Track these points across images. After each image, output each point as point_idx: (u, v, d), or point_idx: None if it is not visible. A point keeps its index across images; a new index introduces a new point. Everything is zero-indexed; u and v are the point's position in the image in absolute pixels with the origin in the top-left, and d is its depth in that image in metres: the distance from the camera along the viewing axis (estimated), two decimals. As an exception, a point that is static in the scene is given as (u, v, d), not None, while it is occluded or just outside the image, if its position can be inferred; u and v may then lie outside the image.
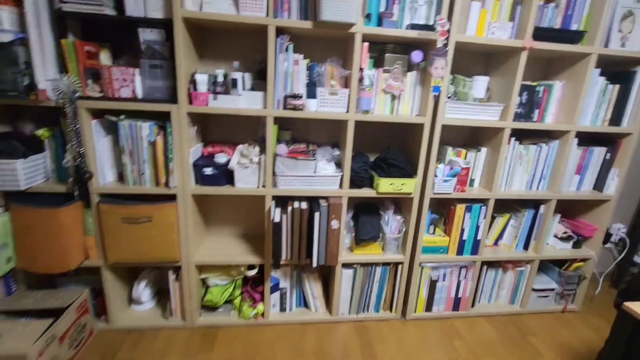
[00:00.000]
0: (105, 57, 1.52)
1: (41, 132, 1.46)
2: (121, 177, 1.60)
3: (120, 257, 1.57)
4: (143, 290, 1.77)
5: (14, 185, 1.38)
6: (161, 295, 1.92)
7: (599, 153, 1.87)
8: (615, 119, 1.80)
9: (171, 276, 1.70)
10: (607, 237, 2.21)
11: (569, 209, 2.11)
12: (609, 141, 1.86)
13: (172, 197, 1.55)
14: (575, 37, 1.62)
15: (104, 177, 1.53)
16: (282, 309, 1.87)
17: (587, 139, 1.88)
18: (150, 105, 1.44)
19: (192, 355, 1.58)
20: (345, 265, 1.79)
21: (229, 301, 1.81)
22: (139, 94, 1.46)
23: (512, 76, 1.64)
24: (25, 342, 1.26)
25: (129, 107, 1.43)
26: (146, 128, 1.47)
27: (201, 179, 1.59)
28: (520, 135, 1.78)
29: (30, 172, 1.42)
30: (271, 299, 1.81)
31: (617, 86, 1.76)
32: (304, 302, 1.92)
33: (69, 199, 1.48)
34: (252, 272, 1.75)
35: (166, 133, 1.47)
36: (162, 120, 1.50)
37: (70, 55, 1.38)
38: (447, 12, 1.49)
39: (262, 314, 1.81)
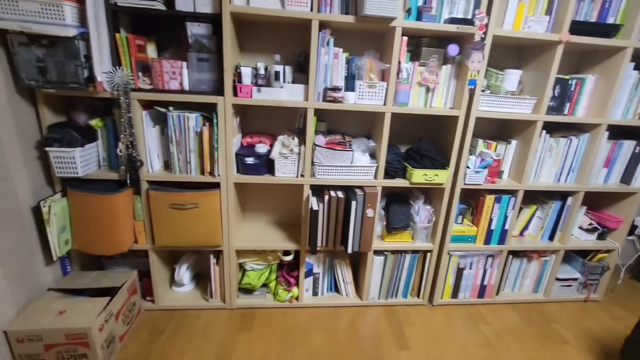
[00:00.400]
0: (151, 50, 1.59)
1: (95, 122, 1.54)
2: (167, 166, 1.68)
3: (167, 241, 1.66)
4: (184, 273, 1.87)
5: (72, 171, 1.47)
6: (199, 278, 2.02)
7: (628, 146, 1.89)
8: (647, 113, 1.82)
9: (212, 260, 1.80)
10: (632, 229, 2.24)
11: (594, 201, 2.14)
12: (639, 135, 1.88)
13: (216, 185, 1.63)
14: (611, 30, 1.64)
15: (152, 165, 1.61)
16: (315, 293, 1.96)
17: (617, 133, 1.90)
18: (198, 97, 1.51)
19: (234, 333, 1.68)
20: (377, 252, 1.87)
21: (264, 285, 1.91)
22: (186, 86, 1.53)
23: (546, 70, 1.66)
24: (87, 318, 1.37)
25: (179, 98, 1.50)
26: (193, 119, 1.54)
27: (242, 168, 1.66)
28: (551, 128, 1.81)
29: (86, 160, 1.51)
30: (305, 283, 1.89)
31: (650, 80, 1.77)
32: (334, 287, 2.01)
33: (121, 185, 1.57)
34: (288, 258, 1.84)
35: (212, 124, 1.54)
36: (206, 111, 1.57)
37: (124, 49, 1.45)
38: (486, 6, 1.51)
39: (297, 298, 1.90)
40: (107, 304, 1.45)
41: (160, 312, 1.80)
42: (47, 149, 1.43)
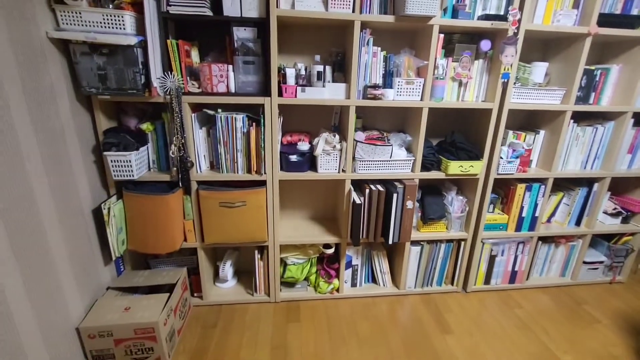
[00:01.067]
0: (195, 55, 1.65)
1: (145, 126, 1.59)
2: (212, 166, 1.74)
3: (215, 239, 1.73)
4: (229, 269, 1.94)
5: (128, 174, 1.53)
6: (240, 274, 2.09)
7: (651, 132, 1.97)
8: (669, 99, 1.89)
9: (257, 255, 1.86)
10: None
11: (618, 187, 2.21)
12: (662, 121, 1.96)
13: (262, 183, 1.70)
14: (635, 22, 1.71)
15: (200, 166, 1.68)
16: (353, 285, 2.03)
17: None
18: (246, 98, 1.57)
19: (283, 325, 1.75)
20: (413, 243, 1.94)
21: (305, 278, 1.98)
22: (232, 88, 1.59)
23: (574, 61, 1.73)
24: (152, 313, 1.44)
25: (228, 101, 1.56)
26: (240, 120, 1.61)
27: (286, 166, 1.73)
28: (577, 117, 1.88)
29: (139, 163, 1.57)
30: (344, 275, 1.96)
31: (672, 67, 1.84)
32: (372, 278, 2.08)
33: (172, 186, 1.63)
34: (330, 251, 1.90)
35: (258, 124, 1.60)
36: (251, 112, 1.63)
37: (174, 55, 1.50)
38: (518, 1, 1.58)
39: (337, 289, 1.97)
40: (167, 300, 1.52)
41: (208, 307, 1.87)
42: (105, 153, 1.49)
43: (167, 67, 1.51)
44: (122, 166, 1.52)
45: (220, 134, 1.62)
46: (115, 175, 1.53)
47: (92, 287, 1.51)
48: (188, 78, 1.58)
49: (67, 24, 1.30)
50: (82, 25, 1.30)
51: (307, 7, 1.50)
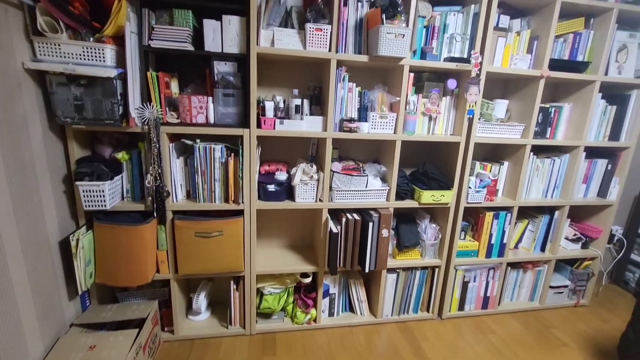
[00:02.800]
0: (174, 86, 1.67)
1: (121, 155, 1.58)
2: (188, 196, 1.73)
3: (190, 270, 1.69)
4: (202, 301, 1.88)
5: (100, 205, 1.50)
6: (213, 306, 2.03)
7: (602, 164, 2.15)
8: (614, 135, 2.09)
9: (232, 286, 1.83)
10: (611, 237, 2.49)
11: (576, 214, 2.37)
12: (610, 154, 2.15)
13: (239, 213, 1.70)
14: (581, 66, 1.91)
15: (176, 195, 1.66)
16: (331, 314, 2.02)
17: (591, 153, 2.15)
18: (226, 129, 1.60)
19: (259, 359, 1.70)
20: (389, 270, 1.97)
21: (282, 308, 1.94)
22: (211, 119, 1.62)
23: (531, 99, 1.90)
24: (120, 352, 1.36)
25: (207, 131, 1.59)
26: (218, 150, 1.62)
27: (264, 195, 1.74)
28: (536, 150, 2.04)
29: (112, 192, 1.54)
30: (322, 304, 1.95)
31: (615, 107, 2.06)
32: (349, 307, 2.07)
33: (146, 216, 1.60)
34: (307, 280, 1.90)
35: (237, 154, 1.63)
36: (230, 142, 1.66)
37: (154, 86, 1.53)
38: (479, 47, 1.73)
39: (314, 319, 1.95)
40: (137, 337, 1.45)
41: (180, 342, 1.79)
42: (77, 183, 1.45)
43: (146, 98, 1.52)
44: (94, 196, 1.48)
45: (198, 163, 1.62)
46: (86, 206, 1.49)
47: (54, 325, 1.42)
48: (167, 109, 1.59)
49: (44, 55, 1.30)
50: (61, 56, 1.30)
51: (286, 45, 1.58)
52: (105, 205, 1.50)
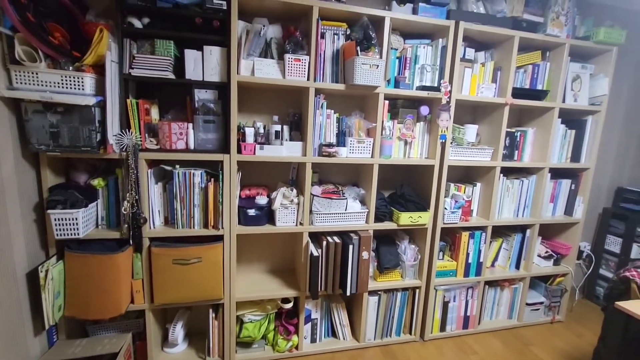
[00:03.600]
0: (155, 112, 1.69)
1: (97, 182, 1.55)
2: (166, 222, 1.70)
3: (166, 299, 1.64)
4: (179, 332, 1.81)
5: (73, 233, 1.45)
6: (190, 336, 1.95)
7: (566, 184, 2.29)
8: (575, 157, 2.25)
9: (211, 314, 1.78)
10: (580, 253, 2.61)
11: (546, 232, 2.48)
12: (573, 174, 2.29)
13: (219, 238, 1.68)
14: (541, 94, 2.07)
15: (154, 222, 1.64)
16: (313, 340, 1.98)
17: (556, 173, 2.29)
18: (206, 155, 1.61)
19: (238, 391, 1.64)
20: (371, 293, 1.98)
21: (263, 336, 1.90)
22: (191, 145, 1.63)
23: (498, 124, 2.02)
24: (88, 390, 1.29)
25: (186, 157, 1.59)
26: (198, 175, 1.63)
27: (244, 220, 1.74)
28: (506, 172, 2.15)
29: (86, 220, 1.50)
30: (304, 330, 1.92)
31: (574, 131, 2.22)
32: (331, 332, 2.05)
33: (121, 244, 1.56)
34: (289, 305, 1.87)
35: (216, 179, 1.63)
36: (210, 167, 1.67)
37: (134, 113, 1.53)
38: (448, 76, 1.85)
39: (296, 346, 1.91)
40: (107, 373, 1.38)
41: (155, 377, 1.70)
42: (49, 211, 1.41)
43: (125, 124, 1.52)
44: (67, 224, 1.44)
45: (177, 189, 1.61)
46: (58, 235, 1.44)
47: (16, 364, 1.33)
48: (146, 135, 1.59)
49: (21, 83, 1.29)
50: (38, 84, 1.30)
51: (266, 74, 1.64)
52: (78, 234, 1.46)
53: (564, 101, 2.12)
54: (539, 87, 2.09)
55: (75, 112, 1.35)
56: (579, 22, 2.08)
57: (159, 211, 1.67)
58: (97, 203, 1.57)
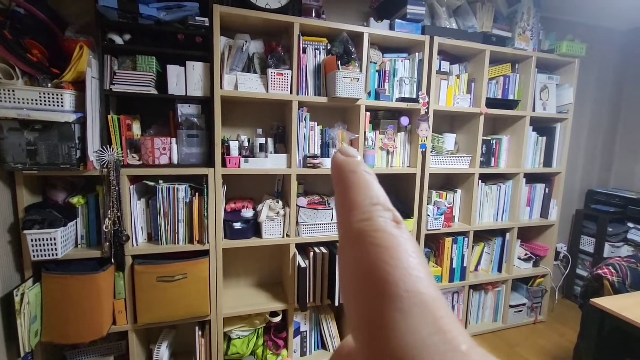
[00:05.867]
0: (136, 128, 1.67)
1: (76, 199, 1.51)
2: (149, 238, 1.67)
3: (151, 318, 1.59)
4: (164, 352, 1.75)
5: (51, 253, 1.40)
6: (177, 356, 1.89)
7: (540, 188, 2.40)
8: (547, 162, 2.36)
9: (197, 332, 1.73)
10: (557, 254, 2.71)
11: (525, 234, 2.57)
12: (546, 179, 2.41)
13: (204, 253, 1.66)
14: (513, 104, 2.18)
15: (137, 239, 1.60)
16: (303, 353, 1.96)
17: (531, 178, 2.40)
18: (190, 169, 1.60)
19: (228, 411, 1.59)
20: (359, 302, 1.98)
21: (251, 352, 1.86)
22: (175, 160, 1.62)
23: (474, 133, 2.11)
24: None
25: (170, 172, 1.58)
26: (182, 190, 1.61)
27: (230, 233, 1.73)
28: (484, 178, 2.24)
29: (65, 239, 1.45)
30: (293, 343, 1.90)
31: (544, 138, 2.34)
32: (321, 344, 2.03)
33: (102, 263, 1.52)
34: (277, 319, 1.85)
35: (201, 193, 1.62)
36: (194, 182, 1.66)
37: (115, 129, 1.52)
38: (425, 88, 1.93)
39: (286, 360, 1.88)
40: (89, 400, 1.31)
41: (139, 401, 1.63)
42: (25, 232, 1.36)
43: (106, 140, 1.50)
44: (44, 245, 1.39)
45: (160, 204, 1.59)
46: (34, 256, 1.39)
47: (-12, 396, 1.25)
48: (128, 151, 1.58)
49: (-4, 100, 1.26)
50: (15, 102, 1.27)
51: (249, 88, 1.66)
52: (56, 254, 1.41)
53: (534, 110, 2.24)
54: (511, 97, 2.21)
55: (54, 129, 1.32)
56: (543, 37, 2.23)
57: (141, 227, 1.64)
58: (76, 221, 1.53)
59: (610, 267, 1.50)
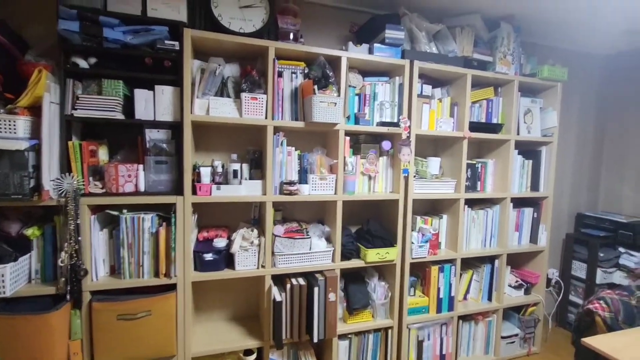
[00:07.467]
0: (103, 154, 1.59)
1: (31, 231, 1.40)
2: (112, 271, 1.56)
3: (110, 361, 1.46)
4: (126, 397, 1.60)
5: (-3, 292, 1.28)
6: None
7: (528, 213, 2.33)
8: (534, 186, 2.31)
9: (163, 375, 1.59)
10: (549, 281, 2.62)
11: (515, 261, 2.49)
12: (534, 203, 2.35)
13: (172, 287, 1.55)
14: (496, 128, 2.14)
15: (97, 273, 1.49)
16: (280, 395, 1.81)
17: (518, 203, 2.34)
18: (156, 198, 1.51)
19: None
20: (341, 337, 1.86)
21: (224, 394, 1.72)
22: (142, 187, 1.53)
23: (458, 157, 2.06)
24: None
25: (136, 200, 1.48)
26: (148, 220, 1.52)
27: (201, 265, 1.62)
28: (471, 203, 2.17)
29: (16, 276, 1.34)
30: (269, 384, 1.76)
31: (531, 161, 2.30)
32: (300, 383, 1.89)
33: (57, 300, 1.39)
34: (252, 357, 1.72)
35: (169, 223, 1.53)
36: (163, 211, 1.56)
37: (76, 156, 1.43)
38: (406, 112, 1.89)
39: (261, 404, 1.73)
40: None
41: None
42: (-32, 269, 1.24)
43: (66, 168, 1.42)
44: (-10, 283, 1.27)
45: (124, 236, 1.49)
46: (-22, 295, 1.27)
47: None
48: (91, 178, 1.49)
49: (-59, 127, 1.18)
50: (-38, 129, 1.19)
51: (221, 113, 1.60)
52: (4, 292, 1.29)
53: (518, 133, 2.21)
54: (494, 120, 2.18)
55: (5, 157, 1.24)
56: (524, 61, 2.22)
57: (104, 260, 1.53)
58: (30, 255, 1.42)
59: (601, 302, 1.41)
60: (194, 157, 1.76)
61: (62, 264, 1.38)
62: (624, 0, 1.88)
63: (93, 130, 1.61)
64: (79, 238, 1.40)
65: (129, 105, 1.53)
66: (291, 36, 1.72)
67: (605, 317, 1.36)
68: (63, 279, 1.40)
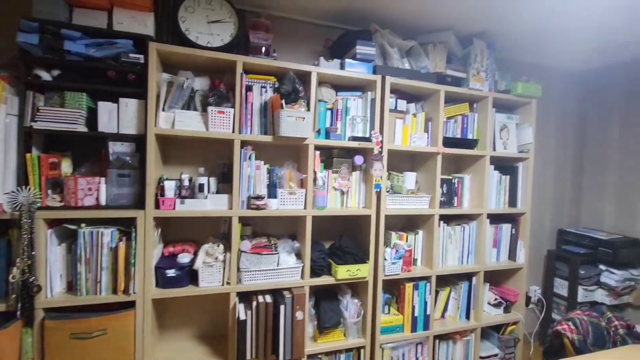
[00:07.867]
0: (66, 166, 1.56)
1: (-17, 245, 1.36)
2: (70, 287, 1.51)
3: (61, 382, 1.39)
4: (80, 421, 1.53)
5: (-60, 310, 1.23)
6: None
7: (507, 229, 2.31)
8: (512, 202, 2.29)
9: (119, 397, 1.52)
10: (529, 299, 2.57)
11: (494, 278, 2.45)
12: (512, 219, 2.33)
13: (130, 304, 1.50)
14: (472, 143, 2.14)
15: (52, 289, 1.44)
16: (246, 418, 1.74)
17: (496, 218, 2.31)
18: (116, 212, 1.48)
19: None
20: (310, 357, 1.80)
21: (185, 418, 1.64)
22: (103, 201, 1.50)
23: (433, 172, 2.04)
24: None
25: (94, 215, 1.45)
26: (108, 234, 1.48)
27: (162, 282, 1.58)
28: (447, 219, 2.14)
29: (-37, 292, 1.29)
30: (234, 407, 1.68)
31: (508, 177, 2.29)
32: (268, 406, 1.81)
33: (7, 318, 1.34)
34: (214, 379, 1.65)
35: (130, 238, 1.49)
36: (124, 225, 1.53)
37: (34, 168, 1.40)
38: (378, 127, 1.88)
39: None
40: None
41: None
42: None
43: (23, 181, 1.39)
44: None
45: (81, 250, 1.45)
46: None
47: None
48: (50, 191, 1.46)
49: None
50: None
51: (187, 126, 1.58)
52: (-53, 310, 1.24)
53: (494, 149, 2.20)
54: (470, 136, 2.18)
55: (-46, 170, 1.21)
56: (498, 77, 2.24)
57: (61, 276, 1.49)
58: (-19, 270, 1.37)
59: (569, 323, 1.37)
60: (163, 171, 1.73)
61: (13, 280, 1.34)
62: (592, 20, 1.91)
63: (56, 142, 1.59)
64: (33, 253, 1.36)
65: (93, 117, 1.51)
66: (263, 50, 1.73)
67: (573, 339, 1.32)
68: (14, 296, 1.35)
